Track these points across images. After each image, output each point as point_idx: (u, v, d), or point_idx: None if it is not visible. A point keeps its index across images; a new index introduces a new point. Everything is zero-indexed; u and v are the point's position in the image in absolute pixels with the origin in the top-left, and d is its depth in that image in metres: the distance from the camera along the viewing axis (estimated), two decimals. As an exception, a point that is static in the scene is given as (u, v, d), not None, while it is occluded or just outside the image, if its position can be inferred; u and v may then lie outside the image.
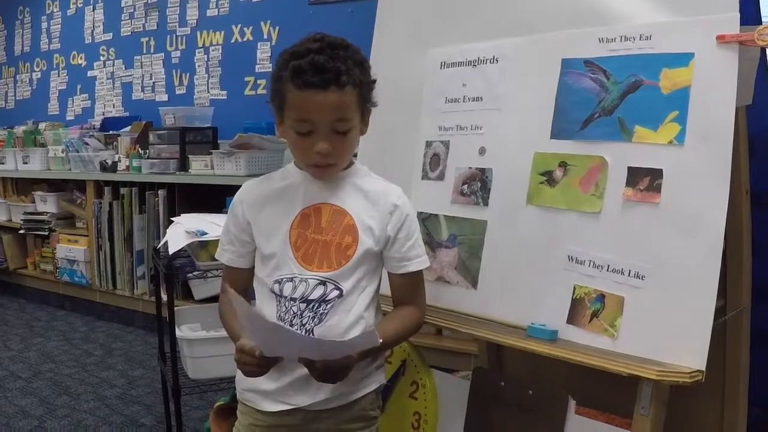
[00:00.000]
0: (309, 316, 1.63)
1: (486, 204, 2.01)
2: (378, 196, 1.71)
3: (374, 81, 1.67)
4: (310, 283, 1.64)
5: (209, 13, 5.25)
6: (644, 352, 1.63)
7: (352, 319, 1.65)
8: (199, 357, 2.85)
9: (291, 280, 1.65)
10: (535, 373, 2.01)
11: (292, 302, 1.64)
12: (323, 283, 1.64)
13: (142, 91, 5.73)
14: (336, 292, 1.64)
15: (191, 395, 3.10)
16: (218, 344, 2.75)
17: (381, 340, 1.56)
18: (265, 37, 4.94)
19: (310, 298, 1.64)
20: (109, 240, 5.03)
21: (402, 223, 1.70)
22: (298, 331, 1.61)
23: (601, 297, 1.73)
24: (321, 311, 1.63)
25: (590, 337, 1.74)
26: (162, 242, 3.00)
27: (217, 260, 1.83)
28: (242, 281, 1.77)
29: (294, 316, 1.64)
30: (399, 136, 2.27)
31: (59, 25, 6.42)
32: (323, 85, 1.53)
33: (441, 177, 2.14)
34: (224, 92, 5.20)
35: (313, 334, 1.62)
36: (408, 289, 1.75)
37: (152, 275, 4.59)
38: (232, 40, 5.13)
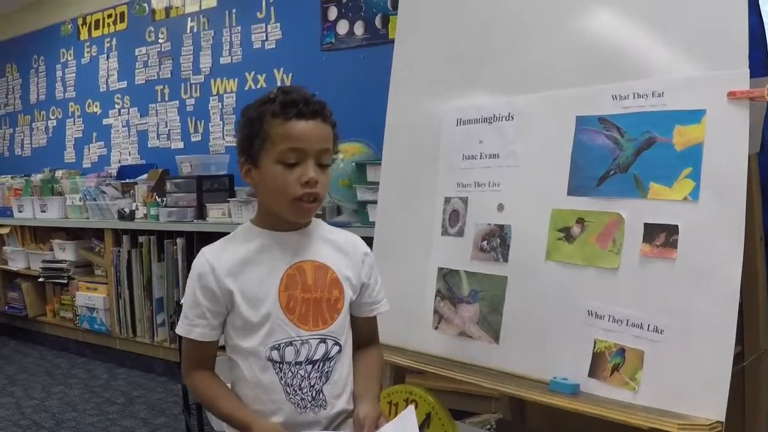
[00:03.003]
0: (316, 377, 1.65)
1: (506, 260, 2.05)
2: (347, 246, 1.76)
3: (338, 137, 1.70)
4: (312, 344, 1.65)
5: (222, 60, 5.30)
6: (665, 404, 1.66)
7: (347, 370, 1.71)
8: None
9: (291, 344, 1.64)
10: (557, 426, 2.03)
11: (297, 366, 1.64)
12: (323, 340, 1.66)
13: (158, 138, 5.78)
14: (337, 348, 1.68)
15: (216, 446, 3.12)
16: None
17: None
18: (279, 83, 4.94)
19: (314, 358, 1.65)
20: (128, 288, 5.06)
21: (372, 269, 1.78)
22: None
23: (622, 351, 1.76)
24: (326, 369, 1.66)
25: (611, 391, 1.76)
26: (184, 294, 3.02)
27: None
28: (212, 356, 1.73)
29: (302, 380, 1.64)
30: (417, 189, 2.31)
31: (74, 74, 6.50)
32: (312, 116, 1.60)
33: (461, 233, 2.18)
34: (239, 139, 5.20)
35: (323, 393, 1.65)
36: (373, 329, 1.84)
37: (172, 323, 4.61)
38: (246, 87, 5.17)
